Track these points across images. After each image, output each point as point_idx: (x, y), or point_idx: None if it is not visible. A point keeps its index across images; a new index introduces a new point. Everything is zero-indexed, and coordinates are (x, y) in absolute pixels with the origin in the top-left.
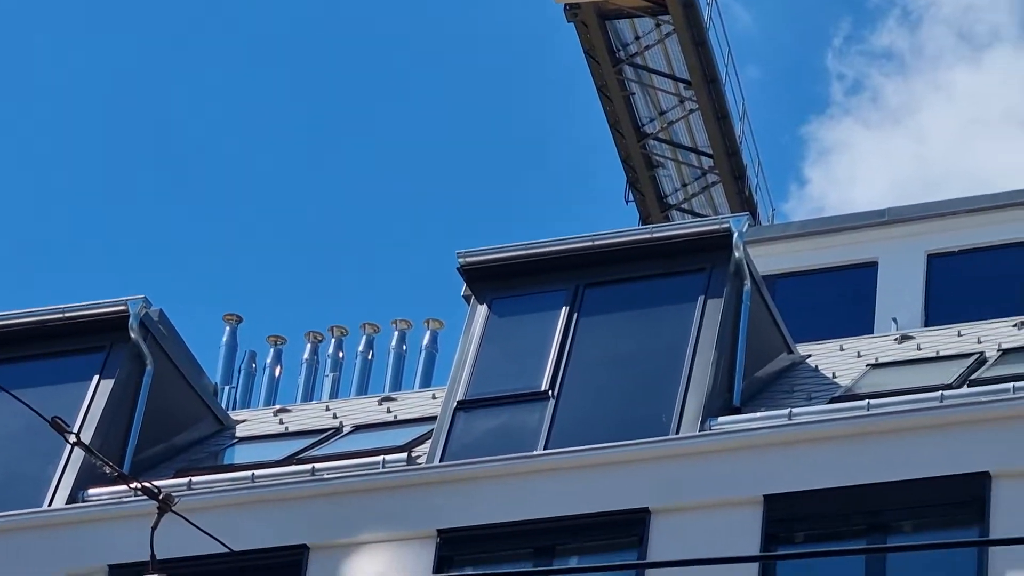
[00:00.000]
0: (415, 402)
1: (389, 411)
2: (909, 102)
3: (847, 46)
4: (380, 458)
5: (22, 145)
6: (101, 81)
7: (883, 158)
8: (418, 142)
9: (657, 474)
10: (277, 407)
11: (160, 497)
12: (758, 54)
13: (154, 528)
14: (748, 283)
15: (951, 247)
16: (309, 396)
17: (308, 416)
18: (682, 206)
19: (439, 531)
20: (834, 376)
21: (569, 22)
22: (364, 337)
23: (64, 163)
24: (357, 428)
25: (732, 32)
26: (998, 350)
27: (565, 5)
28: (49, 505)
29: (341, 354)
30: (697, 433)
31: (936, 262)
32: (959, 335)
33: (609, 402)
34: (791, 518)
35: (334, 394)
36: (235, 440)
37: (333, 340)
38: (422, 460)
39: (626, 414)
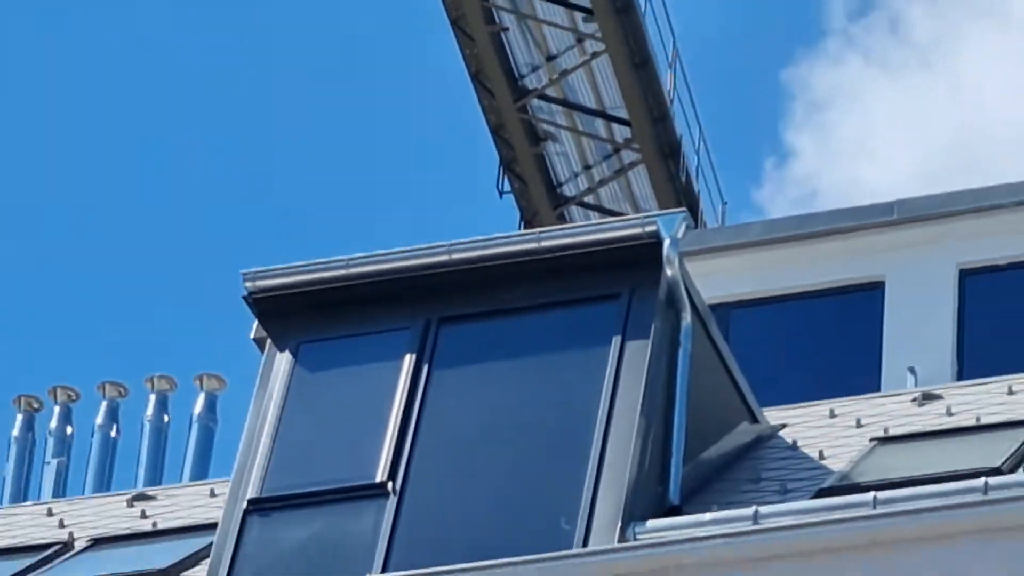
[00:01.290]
0: (184, 501)
1: (144, 515)
2: (945, 34)
3: None
4: None
5: None
6: None
7: (907, 118)
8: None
9: None
10: None
11: None
12: None
13: None
14: (688, 316)
15: (994, 259)
16: (22, 495)
17: (22, 524)
18: (584, 200)
19: None
20: (822, 457)
21: None
22: (104, 403)
23: None
24: (96, 542)
25: None
26: None
27: None
28: None
29: (70, 429)
30: (615, 546)
31: (973, 282)
32: (1009, 392)
33: (479, 501)
34: None
35: (59, 491)
36: None
37: (57, 408)
38: None
39: (506, 519)
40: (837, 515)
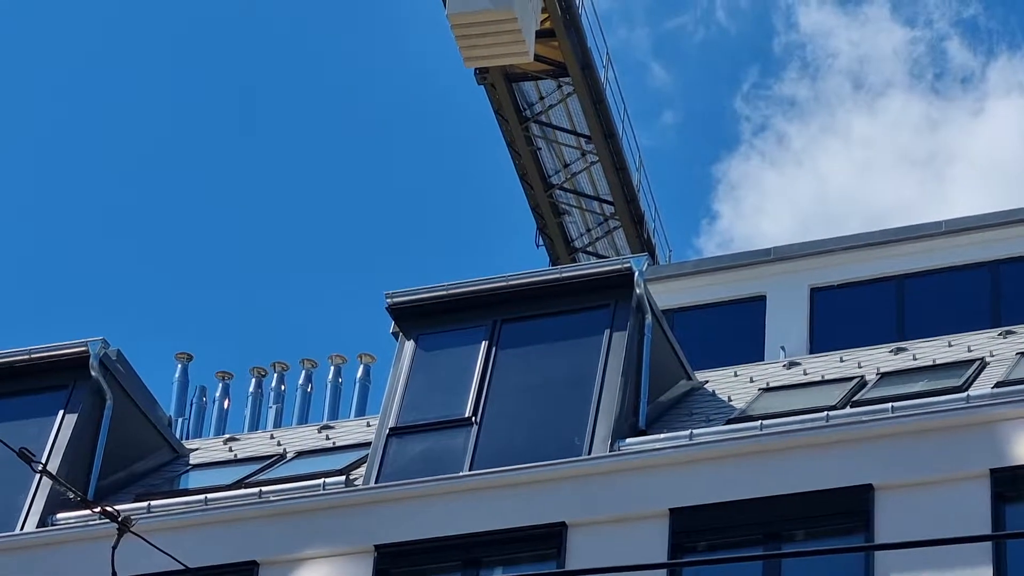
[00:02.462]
0: (351, 430)
1: (328, 438)
2: (810, 144)
3: (755, 91)
4: (321, 481)
5: None
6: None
7: (787, 195)
8: (350, 193)
9: (572, 492)
10: (226, 436)
11: (120, 519)
12: (673, 102)
13: (115, 547)
14: (649, 317)
15: (831, 281)
16: (255, 426)
17: (254, 444)
18: (587, 249)
19: (376, 547)
20: (729, 400)
21: (479, 84)
22: (303, 371)
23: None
24: (299, 454)
25: (648, 86)
26: (877, 374)
27: (475, 69)
28: (21, 529)
29: (283, 387)
30: (607, 454)
31: (818, 295)
32: (841, 361)
33: (526, 427)
34: (694, 529)
35: (277, 424)
36: (188, 467)
37: (275, 374)
38: (359, 482)
39: (542, 437)
40: (739, 435)
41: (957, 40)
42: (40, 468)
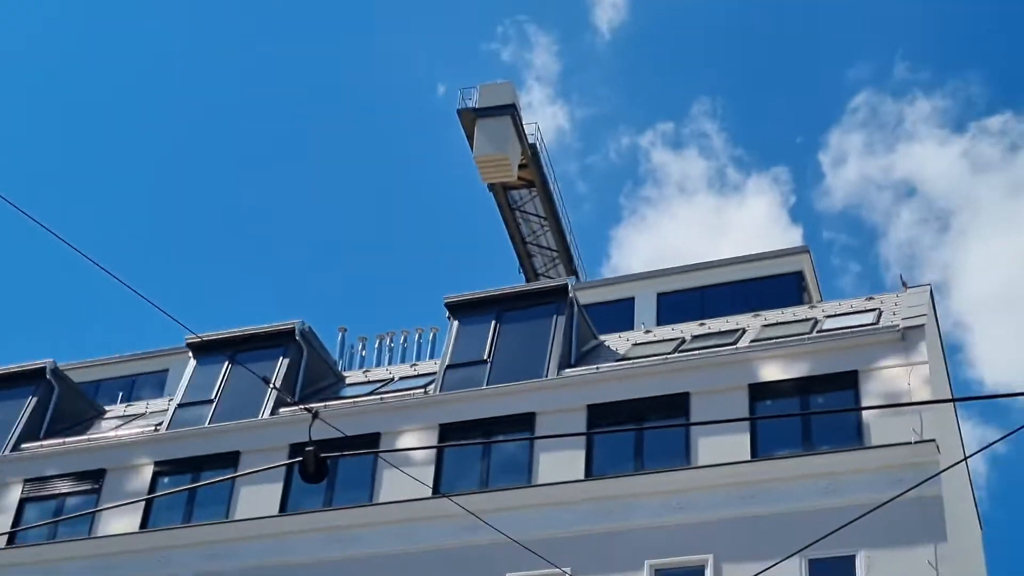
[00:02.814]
0: (424, 369)
1: (412, 368)
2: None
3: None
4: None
5: None
6: None
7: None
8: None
9: (538, 395)
10: (363, 370)
11: (313, 411)
12: (588, 200)
13: (310, 427)
14: (576, 308)
15: (675, 288)
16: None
17: (378, 374)
18: (545, 274)
19: (440, 424)
20: (616, 349)
21: (489, 191)
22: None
23: None
24: (401, 378)
25: (576, 193)
26: (690, 336)
27: (488, 184)
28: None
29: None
30: (555, 376)
31: (663, 299)
32: (672, 329)
33: (515, 362)
34: (603, 415)
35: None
36: (346, 385)
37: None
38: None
39: (524, 367)
40: (621, 366)
41: None
42: (272, 385)
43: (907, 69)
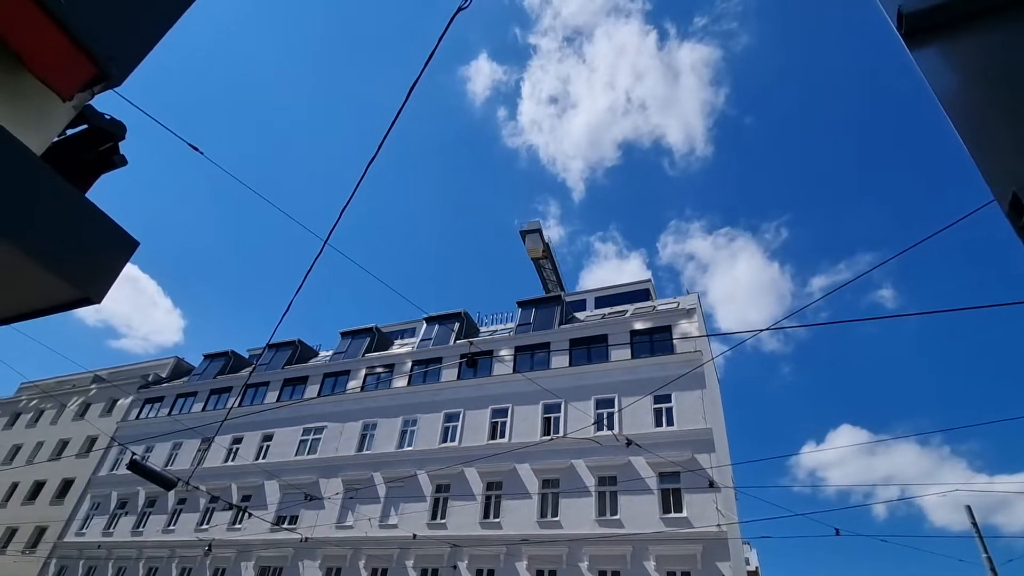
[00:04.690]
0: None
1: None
2: None
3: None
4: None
5: None
6: None
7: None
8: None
9: (555, 317)
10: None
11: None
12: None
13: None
14: (564, 307)
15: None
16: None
17: None
18: (554, 293)
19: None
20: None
21: (531, 259)
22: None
23: None
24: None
25: (571, 267)
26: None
27: (531, 257)
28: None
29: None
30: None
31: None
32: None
33: (547, 318)
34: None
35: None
36: None
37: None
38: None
39: (548, 316)
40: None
41: None
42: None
43: None
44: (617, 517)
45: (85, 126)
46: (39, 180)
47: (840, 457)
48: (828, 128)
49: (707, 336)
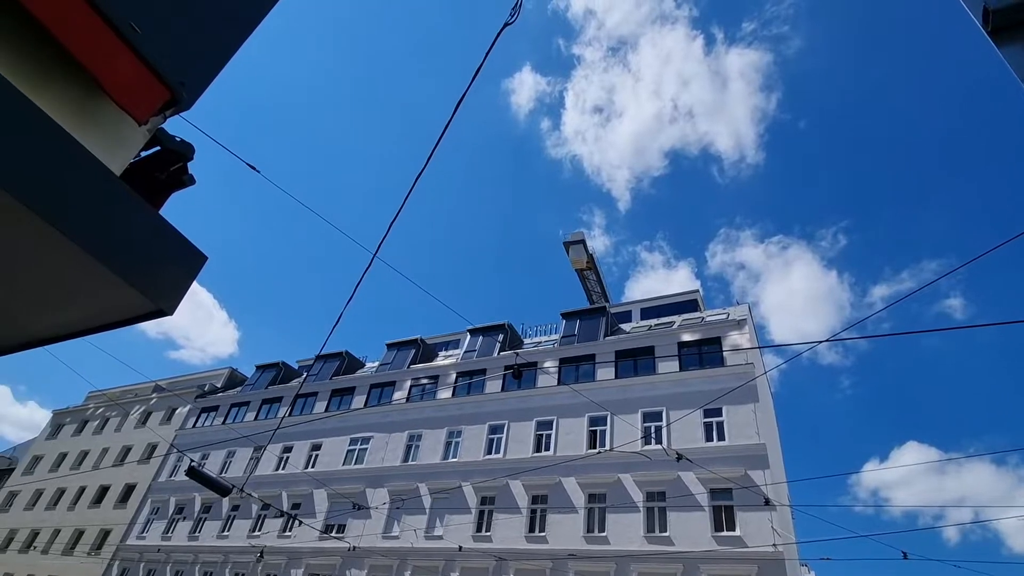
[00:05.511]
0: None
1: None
2: None
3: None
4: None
5: None
6: None
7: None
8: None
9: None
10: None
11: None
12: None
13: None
14: (608, 316)
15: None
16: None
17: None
18: (598, 304)
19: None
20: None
21: (574, 270)
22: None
23: None
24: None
25: (613, 277)
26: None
27: (575, 269)
28: None
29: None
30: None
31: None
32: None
33: (591, 328)
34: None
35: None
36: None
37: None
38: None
39: (593, 326)
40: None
41: None
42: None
43: None
44: (667, 534)
45: (158, 148)
46: (120, 199)
47: (906, 476)
48: (888, 129)
49: (759, 348)
